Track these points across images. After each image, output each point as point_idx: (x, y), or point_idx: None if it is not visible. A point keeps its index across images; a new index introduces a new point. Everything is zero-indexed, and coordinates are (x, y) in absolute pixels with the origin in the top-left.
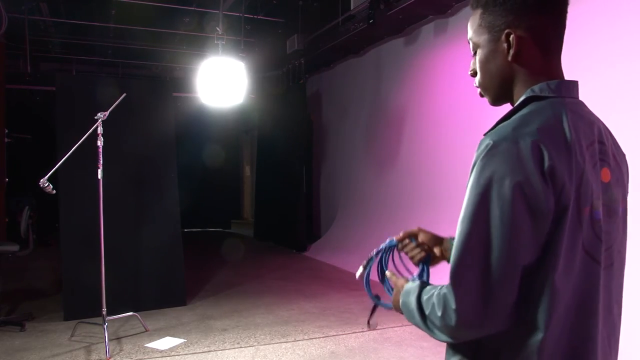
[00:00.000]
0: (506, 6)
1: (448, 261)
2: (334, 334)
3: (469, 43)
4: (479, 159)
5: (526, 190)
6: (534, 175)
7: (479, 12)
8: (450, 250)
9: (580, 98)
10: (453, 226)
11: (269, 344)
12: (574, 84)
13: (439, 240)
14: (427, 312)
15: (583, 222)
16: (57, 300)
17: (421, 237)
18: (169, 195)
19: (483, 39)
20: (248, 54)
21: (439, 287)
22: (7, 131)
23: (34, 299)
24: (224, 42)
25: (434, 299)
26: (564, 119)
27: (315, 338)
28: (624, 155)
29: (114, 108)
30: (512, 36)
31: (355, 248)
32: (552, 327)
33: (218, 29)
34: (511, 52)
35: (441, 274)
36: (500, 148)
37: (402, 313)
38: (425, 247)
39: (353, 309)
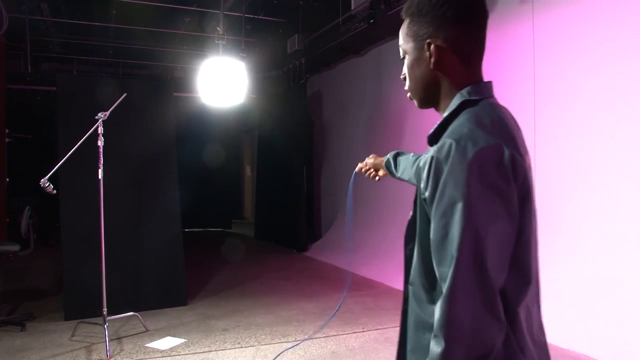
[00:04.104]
0: (428, 18)
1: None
2: (335, 334)
3: (399, 48)
4: (444, 163)
5: (497, 184)
6: (501, 170)
7: (407, 21)
8: (385, 167)
9: (582, 98)
10: None
11: (270, 343)
12: (490, 84)
13: (378, 162)
14: None
15: (533, 208)
16: (58, 300)
17: (368, 164)
18: (170, 195)
19: (409, 46)
20: (248, 53)
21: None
22: (7, 131)
23: (34, 298)
24: (224, 42)
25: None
26: (501, 116)
27: (316, 338)
28: None
29: (114, 108)
30: (432, 46)
31: (356, 248)
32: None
33: (218, 28)
34: (432, 60)
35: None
36: (465, 147)
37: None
38: (372, 169)
39: (354, 309)
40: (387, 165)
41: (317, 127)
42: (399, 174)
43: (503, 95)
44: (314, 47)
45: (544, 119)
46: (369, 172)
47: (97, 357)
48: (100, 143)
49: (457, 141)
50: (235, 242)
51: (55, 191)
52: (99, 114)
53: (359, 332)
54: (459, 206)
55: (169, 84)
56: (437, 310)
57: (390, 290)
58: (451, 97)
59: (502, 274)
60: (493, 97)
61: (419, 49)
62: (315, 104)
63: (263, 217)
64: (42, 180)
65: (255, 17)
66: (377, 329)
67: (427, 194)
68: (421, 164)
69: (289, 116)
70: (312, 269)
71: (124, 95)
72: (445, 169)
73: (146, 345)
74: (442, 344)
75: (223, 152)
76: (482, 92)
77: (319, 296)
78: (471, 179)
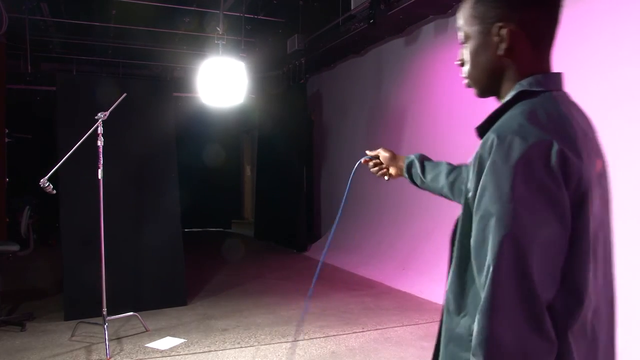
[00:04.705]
0: None
1: (404, 176)
2: (335, 334)
3: (458, 31)
4: (487, 159)
5: (546, 186)
6: (550, 170)
7: (471, 1)
8: (404, 167)
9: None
10: (452, 225)
11: (270, 344)
12: (559, 76)
13: (395, 159)
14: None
15: (591, 214)
16: (58, 300)
17: (381, 157)
18: (170, 195)
19: (474, 30)
20: (248, 54)
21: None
22: (7, 131)
23: (34, 298)
24: (224, 42)
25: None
26: (563, 112)
27: (316, 338)
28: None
29: (114, 108)
30: (503, 30)
31: (356, 248)
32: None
33: (218, 29)
34: (502, 46)
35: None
36: (511, 143)
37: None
38: (383, 165)
39: (353, 309)
40: (410, 167)
41: (317, 127)
42: (427, 181)
43: None
44: (314, 47)
45: None
46: (379, 167)
47: (97, 357)
48: (100, 143)
49: (502, 136)
50: (235, 242)
51: (55, 191)
52: (99, 114)
53: (359, 332)
54: (499, 209)
55: (169, 84)
56: (476, 324)
57: (390, 290)
58: (513, 87)
59: (551, 286)
60: (561, 90)
61: (485, 32)
62: (315, 104)
63: (263, 217)
64: (42, 180)
65: (255, 17)
66: (377, 329)
67: (470, 193)
68: (470, 160)
69: (289, 116)
70: (312, 269)
71: (124, 95)
72: (486, 167)
73: (146, 345)
74: None
75: (223, 152)
76: (546, 83)
77: (319, 296)
78: (515, 179)
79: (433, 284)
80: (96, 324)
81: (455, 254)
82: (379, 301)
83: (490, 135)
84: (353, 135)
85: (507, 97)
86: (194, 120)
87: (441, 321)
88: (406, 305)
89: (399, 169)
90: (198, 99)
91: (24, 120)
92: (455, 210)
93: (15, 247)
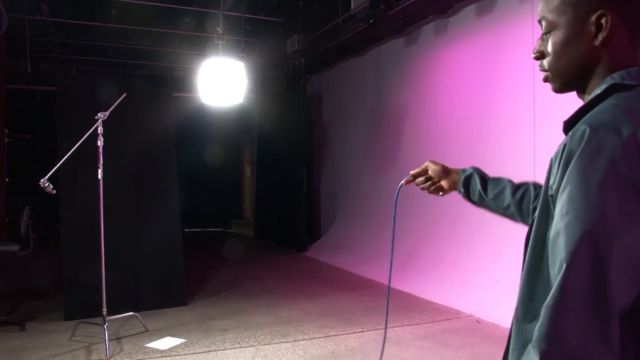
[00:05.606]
0: None
1: (459, 191)
2: (334, 334)
3: (539, 23)
4: (579, 149)
5: (636, 181)
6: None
7: None
8: (460, 181)
9: None
10: (451, 225)
11: (269, 344)
12: None
13: (447, 172)
14: None
15: None
16: (58, 300)
17: (430, 171)
18: (169, 195)
19: (565, 19)
20: (248, 54)
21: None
22: (7, 131)
23: (34, 299)
24: (224, 42)
25: None
26: None
27: (316, 338)
28: None
29: (114, 108)
30: (605, 18)
31: (356, 248)
32: None
33: (218, 29)
34: (600, 35)
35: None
36: (604, 136)
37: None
38: (435, 179)
39: (353, 309)
40: (467, 181)
41: (316, 127)
42: (488, 198)
43: (503, 96)
44: (313, 47)
45: (544, 119)
46: (430, 182)
47: (97, 357)
48: (100, 143)
49: (595, 128)
50: (235, 242)
51: (55, 191)
52: (99, 114)
53: (359, 332)
54: (582, 204)
55: (169, 84)
56: (540, 317)
57: (390, 290)
58: (602, 81)
59: (632, 291)
60: None
61: (579, 21)
62: (315, 104)
63: (263, 217)
64: (42, 180)
65: (255, 17)
66: (376, 329)
67: (555, 186)
68: (553, 156)
69: (289, 116)
70: (312, 269)
71: (124, 95)
72: (574, 158)
73: (146, 345)
74: (537, 357)
75: (223, 152)
76: (638, 77)
77: (319, 296)
78: (605, 175)
79: (433, 284)
80: (96, 324)
81: (527, 260)
82: (379, 301)
83: (581, 127)
84: (353, 135)
85: (598, 91)
86: (194, 120)
87: (510, 330)
88: (406, 305)
89: (453, 182)
90: (198, 99)
91: (24, 120)
92: (454, 209)
93: (15, 247)
